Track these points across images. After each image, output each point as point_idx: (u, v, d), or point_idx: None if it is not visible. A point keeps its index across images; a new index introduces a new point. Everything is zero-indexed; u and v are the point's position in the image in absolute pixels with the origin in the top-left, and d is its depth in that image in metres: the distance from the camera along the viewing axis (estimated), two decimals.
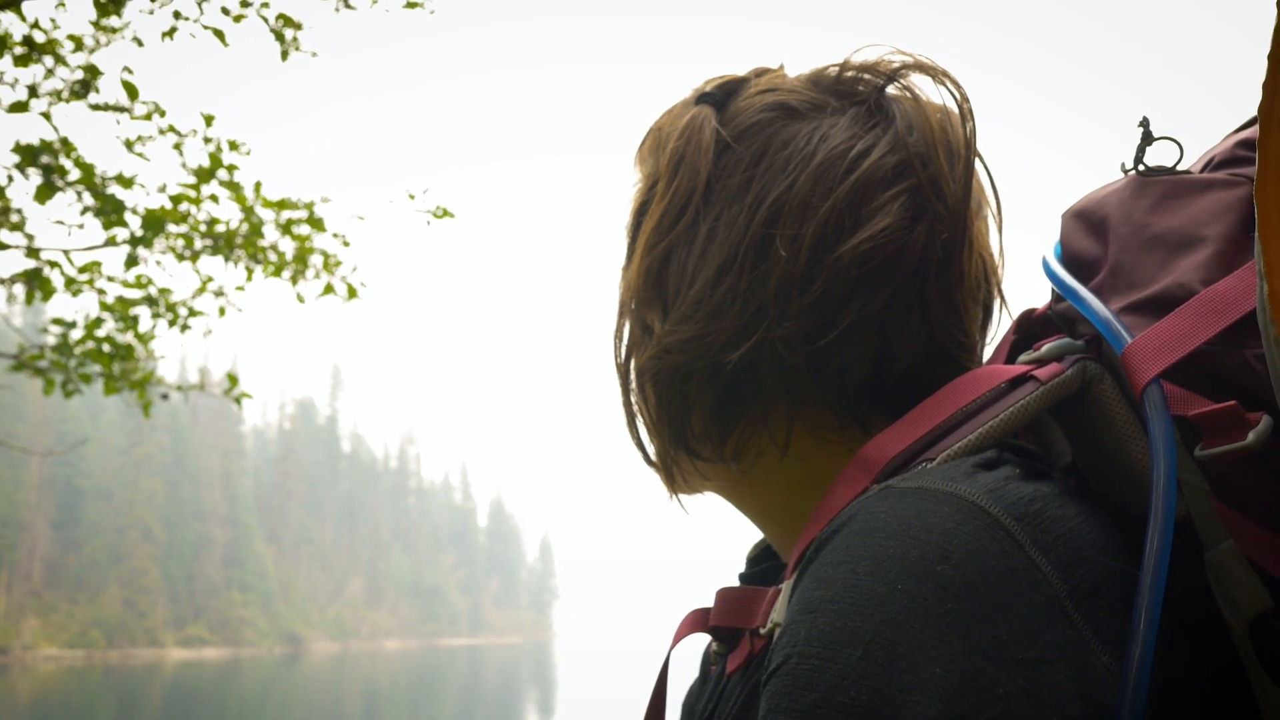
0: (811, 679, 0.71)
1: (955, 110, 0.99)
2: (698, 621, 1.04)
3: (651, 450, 1.05)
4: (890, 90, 1.00)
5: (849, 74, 1.00)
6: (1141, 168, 0.97)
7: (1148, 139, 0.97)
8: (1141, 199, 0.95)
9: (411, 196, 7.98)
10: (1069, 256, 0.99)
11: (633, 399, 1.04)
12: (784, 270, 0.93)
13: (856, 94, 1.00)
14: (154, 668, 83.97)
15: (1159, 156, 0.98)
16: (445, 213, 8.04)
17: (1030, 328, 1.02)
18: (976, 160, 1.01)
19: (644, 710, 1.08)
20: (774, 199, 0.95)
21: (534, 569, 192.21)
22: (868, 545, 0.75)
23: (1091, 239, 0.98)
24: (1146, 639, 0.74)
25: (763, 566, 1.14)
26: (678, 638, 1.06)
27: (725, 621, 0.99)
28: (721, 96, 1.03)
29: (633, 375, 1.03)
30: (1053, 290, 1.00)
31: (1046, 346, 0.91)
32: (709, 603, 1.04)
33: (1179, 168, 0.98)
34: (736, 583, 1.17)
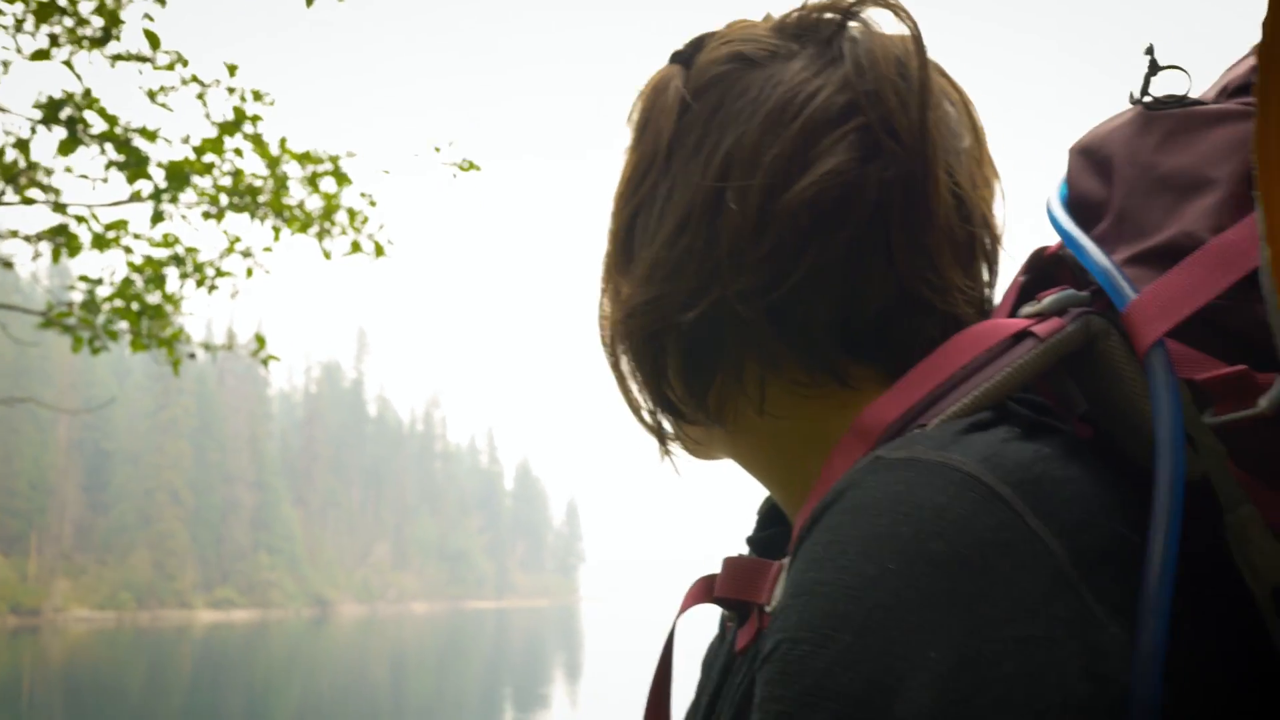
0: (802, 666, 0.69)
1: (910, 42, 0.94)
2: (703, 591, 1.02)
3: (646, 415, 1.03)
4: (850, 27, 0.96)
5: (810, 16, 0.97)
6: (1148, 99, 0.91)
7: (1154, 68, 0.91)
8: (1147, 135, 0.89)
9: (437, 149, 7.84)
10: (1074, 197, 0.94)
11: (621, 365, 1.02)
12: (736, 223, 0.91)
13: (815, 35, 0.96)
14: (183, 629, 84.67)
15: (1168, 87, 0.91)
16: (471, 165, 7.89)
17: (1042, 267, 0.95)
18: (950, 90, 0.98)
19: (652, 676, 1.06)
20: (725, 151, 0.92)
21: (560, 532, 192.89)
22: (857, 523, 0.73)
23: (1097, 179, 0.92)
24: (1159, 609, 0.72)
25: (770, 532, 1.10)
26: (684, 607, 1.04)
27: (731, 594, 0.96)
28: (689, 53, 1.00)
29: (614, 342, 1.01)
30: None
31: (1048, 299, 0.87)
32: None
33: (1190, 97, 0.90)
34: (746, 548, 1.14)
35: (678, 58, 1.01)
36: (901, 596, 0.69)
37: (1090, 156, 0.94)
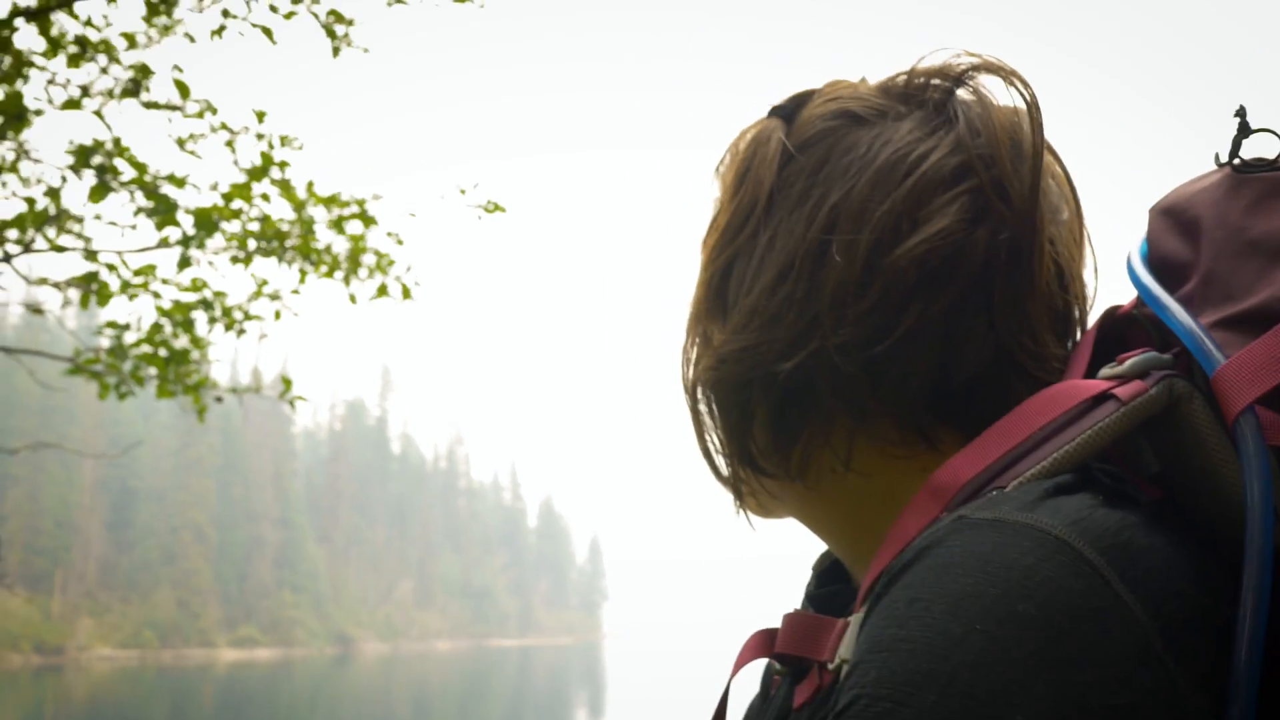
0: None
1: (1025, 111, 0.96)
2: (762, 646, 1.02)
3: (721, 466, 1.03)
4: (959, 93, 0.97)
5: (918, 79, 0.98)
6: (1237, 162, 0.89)
7: (1244, 130, 0.89)
8: (1238, 198, 0.88)
9: (463, 191, 7.87)
10: (1156, 258, 0.93)
11: (702, 413, 1.02)
12: (840, 276, 0.91)
13: (924, 98, 0.97)
14: (206, 668, 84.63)
15: (1258, 149, 0.90)
16: (496, 207, 7.92)
17: (1114, 328, 0.95)
18: (1053, 163, 0.99)
19: None
20: (832, 205, 0.93)
21: (584, 570, 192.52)
22: (943, 582, 0.72)
23: (1181, 240, 0.91)
24: (1249, 683, 0.70)
25: (830, 589, 1.09)
26: (740, 663, 1.04)
27: (791, 650, 0.95)
28: (791, 108, 1.02)
29: (698, 389, 1.01)
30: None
31: (1130, 361, 0.85)
32: (768, 618, 1.02)
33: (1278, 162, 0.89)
34: (799, 600, 1.14)
35: (778, 112, 1.02)
36: (988, 657, 0.68)
37: (1175, 217, 0.93)
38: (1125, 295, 0.96)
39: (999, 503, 0.77)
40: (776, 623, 1.00)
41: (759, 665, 1.06)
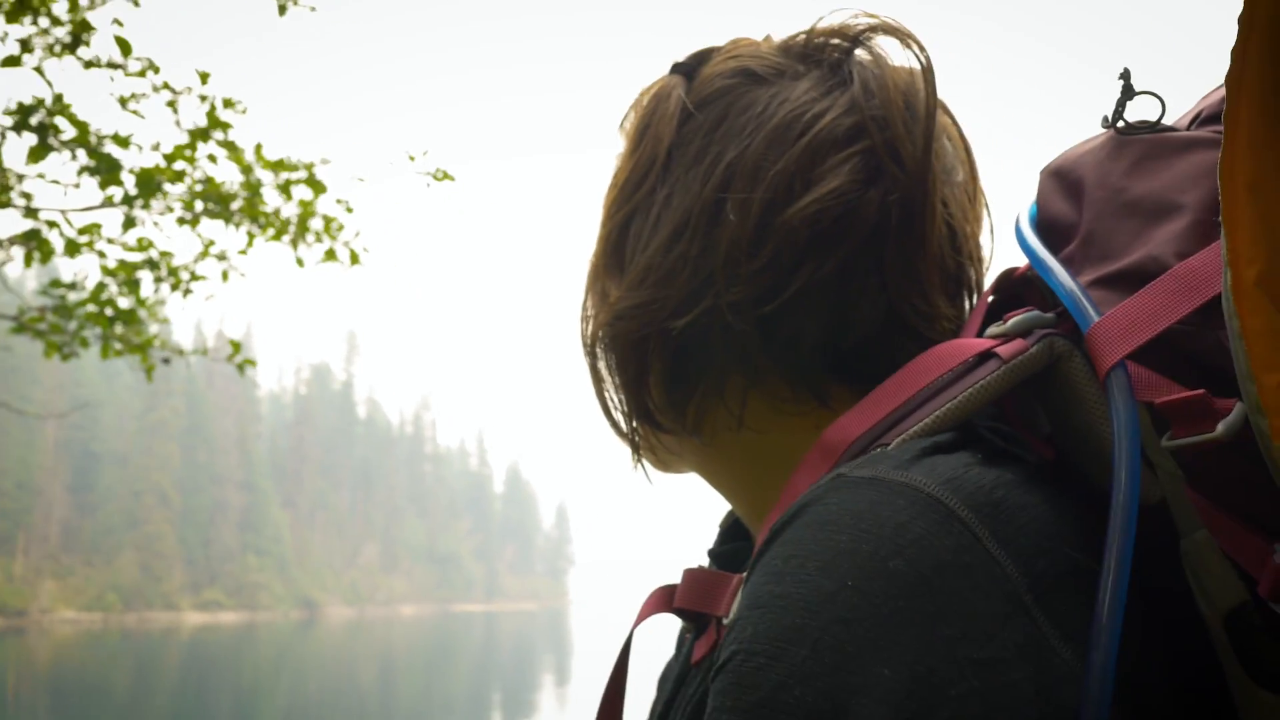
0: (756, 678, 0.69)
1: (920, 73, 0.97)
2: (662, 601, 1.03)
3: (620, 421, 1.04)
4: (857, 54, 0.98)
5: (817, 39, 0.99)
6: (1121, 124, 0.91)
7: (1128, 93, 0.91)
8: (1119, 159, 0.90)
9: (411, 158, 7.84)
10: (1044, 219, 0.94)
11: (600, 369, 1.02)
12: (733, 234, 0.92)
13: (821, 58, 0.98)
14: (170, 632, 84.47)
15: (1142, 113, 0.91)
16: (445, 175, 7.88)
17: (1010, 289, 0.96)
18: (949, 126, 1.01)
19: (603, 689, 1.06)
20: (728, 162, 0.94)
21: (550, 535, 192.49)
22: (819, 539, 0.73)
23: (1067, 201, 0.92)
24: (1110, 633, 0.71)
25: (732, 546, 1.11)
26: (641, 617, 1.05)
27: (689, 605, 0.97)
28: (692, 65, 1.02)
29: (596, 345, 1.02)
30: None
31: (1013, 320, 0.86)
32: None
33: (1163, 124, 0.92)
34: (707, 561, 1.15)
35: (679, 69, 1.03)
36: (858, 613, 0.68)
37: (1061, 179, 0.94)
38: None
39: (878, 461, 0.78)
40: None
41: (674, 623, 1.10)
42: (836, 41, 0.99)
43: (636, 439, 1.04)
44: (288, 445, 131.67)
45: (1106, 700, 0.70)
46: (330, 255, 7.70)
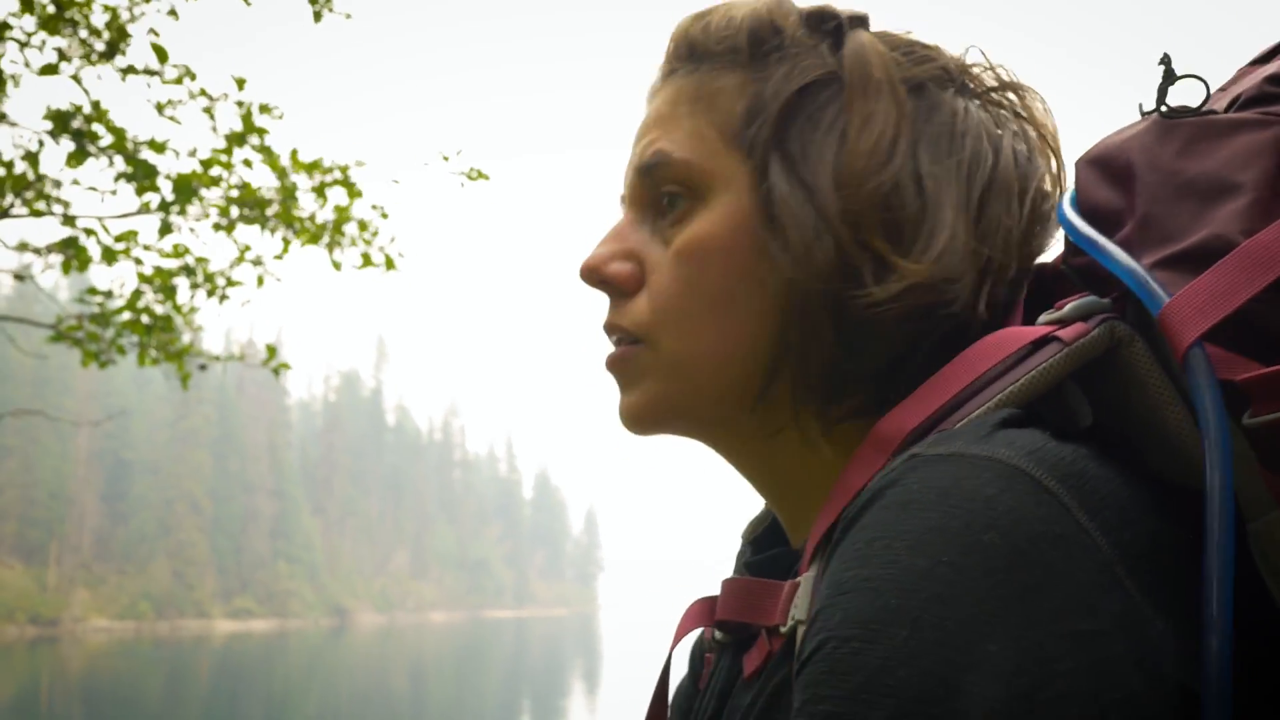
0: (854, 662, 0.67)
1: (1056, 140, 1.02)
2: (703, 614, 1.02)
3: (784, 392, 0.95)
4: (1009, 98, 1.01)
5: (970, 71, 1.00)
6: (1164, 109, 0.91)
7: (1169, 77, 0.91)
8: (1168, 143, 0.89)
9: (446, 159, 7.83)
10: (1086, 208, 0.93)
11: (804, 332, 0.93)
12: (997, 243, 0.94)
13: (982, 91, 1.00)
14: (202, 639, 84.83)
15: (1182, 97, 0.92)
16: (479, 174, 7.89)
17: (1045, 285, 0.97)
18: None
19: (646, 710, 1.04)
20: (988, 169, 0.95)
21: (579, 541, 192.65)
22: (903, 519, 0.72)
23: (1112, 188, 0.92)
24: (1224, 617, 0.71)
25: (769, 554, 1.06)
26: (681, 633, 1.03)
27: (734, 616, 0.95)
28: (864, 22, 1.01)
29: (831, 306, 0.92)
30: (1067, 243, 0.96)
31: (1070, 305, 0.86)
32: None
33: (1204, 108, 0.92)
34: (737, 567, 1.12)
35: (857, 22, 1.00)
36: (957, 589, 0.67)
37: (1104, 167, 0.93)
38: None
39: (951, 438, 0.77)
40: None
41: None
42: (984, 84, 1.01)
43: (791, 407, 0.96)
44: (318, 453, 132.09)
45: (1228, 687, 0.70)
46: (366, 260, 7.70)
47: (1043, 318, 0.87)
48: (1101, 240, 0.88)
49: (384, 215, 7.78)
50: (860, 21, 1.00)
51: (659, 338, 0.97)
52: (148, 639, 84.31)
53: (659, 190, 0.99)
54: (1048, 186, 0.99)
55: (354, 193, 7.49)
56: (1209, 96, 0.92)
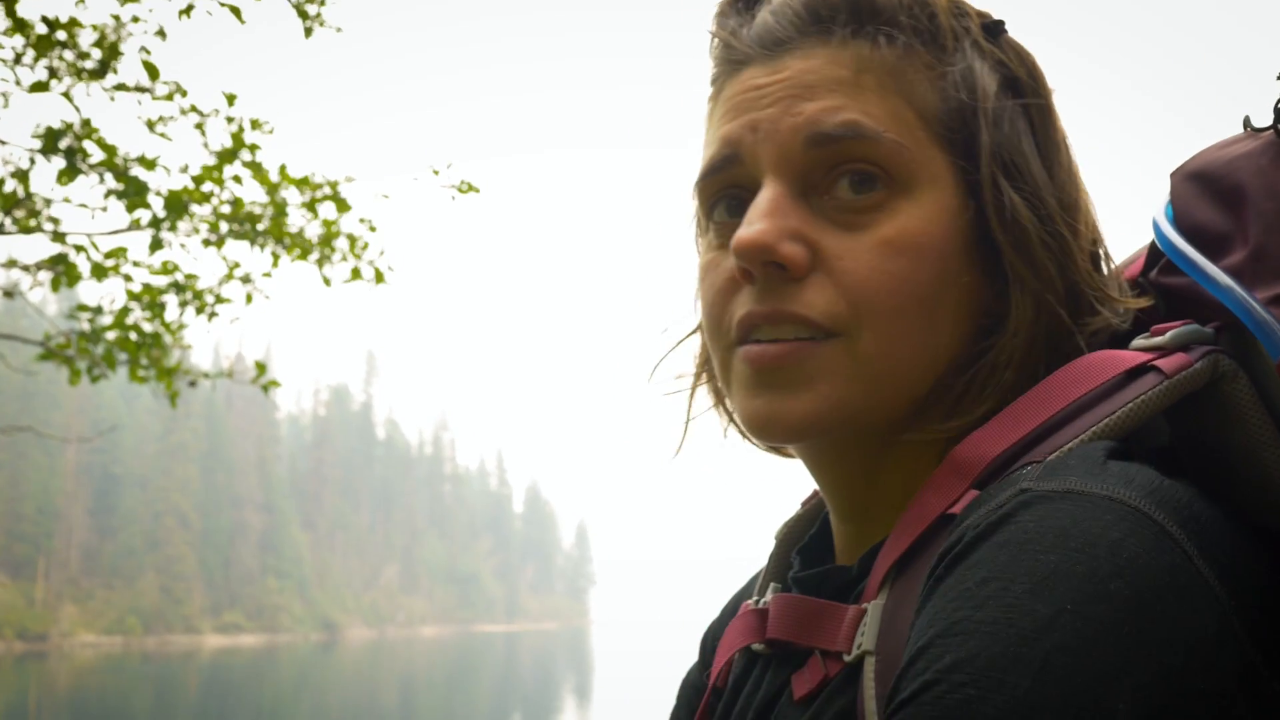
0: (967, 711, 0.63)
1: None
2: (750, 629, 0.97)
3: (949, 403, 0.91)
4: None
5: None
6: None
7: None
8: None
9: (436, 172, 7.85)
10: (1187, 226, 0.88)
11: (989, 345, 0.90)
12: (1083, 224, 0.92)
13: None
14: (191, 655, 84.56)
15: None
16: (470, 188, 7.89)
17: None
18: None
19: None
20: (1071, 168, 0.95)
21: (570, 555, 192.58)
22: (1019, 560, 0.68)
23: (1218, 210, 0.86)
24: None
25: (818, 571, 0.97)
26: (725, 652, 0.99)
27: (791, 637, 0.91)
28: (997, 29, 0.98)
29: (1054, 330, 0.90)
30: (1152, 255, 0.93)
31: (1171, 333, 0.83)
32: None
33: None
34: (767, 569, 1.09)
35: (1000, 26, 0.97)
36: (1084, 640, 0.64)
37: (1209, 184, 0.88)
38: None
39: (1062, 472, 0.73)
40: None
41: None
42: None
43: (943, 421, 0.91)
44: (307, 467, 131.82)
45: None
46: (356, 274, 7.69)
47: (1136, 343, 0.85)
48: (1210, 267, 0.84)
49: (372, 229, 7.77)
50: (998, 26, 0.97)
51: (859, 333, 0.87)
52: (136, 654, 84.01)
53: (839, 165, 0.88)
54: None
55: (343, 207, 7.49)
56: None
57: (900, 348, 0.87)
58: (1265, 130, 0.87)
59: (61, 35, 6.25)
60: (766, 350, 0.88)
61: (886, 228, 0.87)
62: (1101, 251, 0.94)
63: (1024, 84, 0.93)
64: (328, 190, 7.47)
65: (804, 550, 1.05)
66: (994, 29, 0.95)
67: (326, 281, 7.65)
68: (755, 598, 1.02)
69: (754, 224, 0.87)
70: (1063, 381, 0.82)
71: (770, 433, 0.89)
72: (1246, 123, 0.89)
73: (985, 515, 0.73)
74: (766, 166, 0.89)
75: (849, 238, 0.87)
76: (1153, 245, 0.93)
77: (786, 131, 0.88)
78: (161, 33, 6.56)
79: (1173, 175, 0.93)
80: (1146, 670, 0.63)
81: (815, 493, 1.10)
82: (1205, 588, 0.67)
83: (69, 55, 6.34)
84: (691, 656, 1.13)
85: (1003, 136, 0.90)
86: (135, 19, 6.49)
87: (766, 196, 0.88)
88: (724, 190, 0.93)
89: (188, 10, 6.45)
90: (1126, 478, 0.72)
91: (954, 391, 0.89)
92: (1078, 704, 0.62)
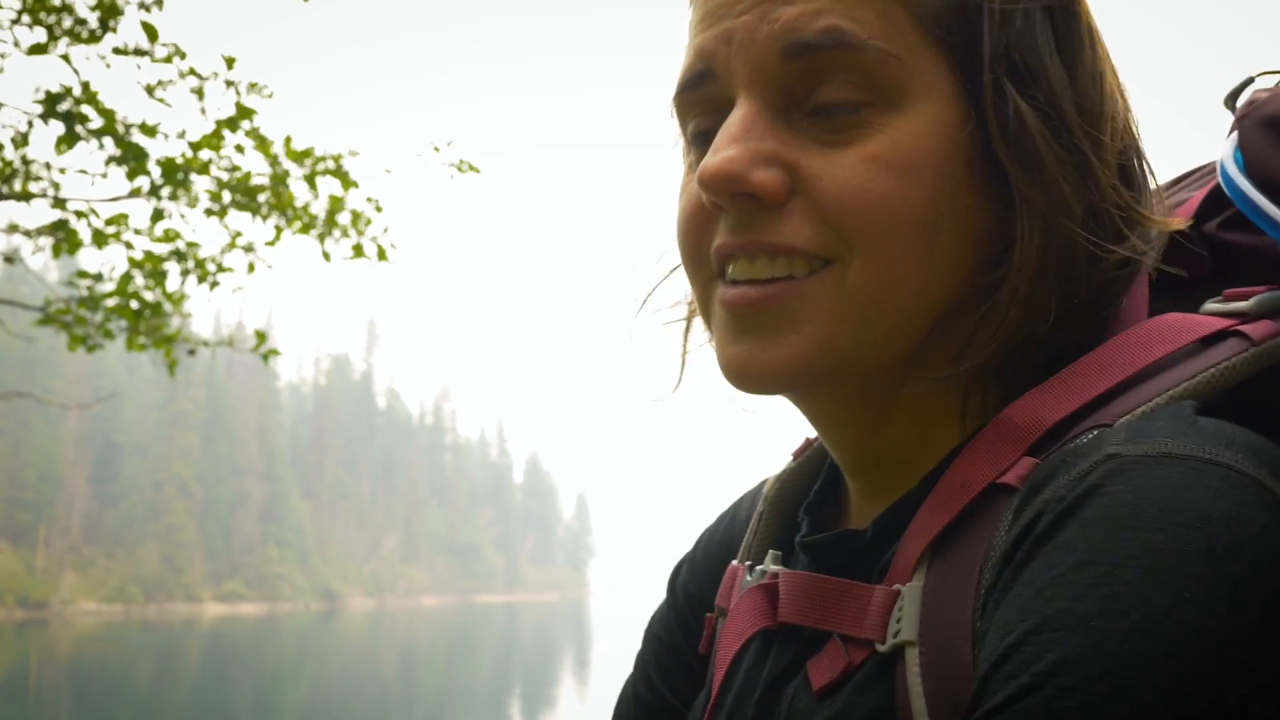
0: (1081, 718, 0.56)
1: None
2: (760, 612, 0.87)
3: (953, 341, 0.83)
4: None
5: None
6: None
7: None
8: None
9: (436, 149, 7.79)
10: (1261, 176, 0.81)
11: (998, 273, 0.81)
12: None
13: None
14: (191, 623, 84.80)
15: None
16: (470, 167, 7.85)
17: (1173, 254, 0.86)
18: None
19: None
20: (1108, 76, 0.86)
21: (570, 526, 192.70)
22: (1122, 539, 0.61)
23: None
24: None
25: (831, 535, 0.88)
26: (736, 637, 0.89)
27: (807, 621, 0.83)
28: None
29: (1068, 257, 0.80)
30: (1213, 204, 0.86)
31: (1256, 298, 0.77)
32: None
33: None
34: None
35: None
36: (1210, 634, 0.57)
37: None
38: None
39: (1149, 433, 0.67)
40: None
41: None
42: None
43: (953, 362, 0.82)
44: (308, 436, 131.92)
45: None
46: (358, 251, 7.65)
47: (1209, 306, 0.79)
48: None
49: (378, 208, 7.74)
50: None
51: (849, 261, 0.79)
52: (136, 622, 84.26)
53: (820, 79, 0.79)
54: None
55: (348, 183, 7.42)
56: None
57: (894, 278, 0.79)
58: None
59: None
60: (745, 293, 0.80)
61: (873, 144, 0.78)
62: (1138, 164, 0.84)
63: None
64: (330, 165, 7.40)
65: (811, 509, 0.95)
66: None
67: (326, 257, 7.59)
68: (749, 562, 0.95)
69: (720, 150, 0.79)
70: (1130, 343, 0.76)
71: (751, 383, 0.81)
72: None
73: (1068, 486, 0.66)
74: (740, 82, 0.81)
75: (832, 155, 0.79)
76: (1213, 193, 0.85)
77: (762, 41, 0.79)
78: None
79: (1242, 119, 0.85)
80: (1276, 663, 0.58)
81: (808, 441, 1.02)
82: None
83: (66, 22, 6.25)
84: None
85: (1013, 34, 0.80)
86: None
87: (737, 117, 0.80)
88: (700, 109, 0.85)
89: None
90: (1226, 438, 0.66)
91: (960, 330, 0.82)
92: (1210, 710, 0.56)
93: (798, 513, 0.96)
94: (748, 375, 0.81)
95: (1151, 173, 0.85)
